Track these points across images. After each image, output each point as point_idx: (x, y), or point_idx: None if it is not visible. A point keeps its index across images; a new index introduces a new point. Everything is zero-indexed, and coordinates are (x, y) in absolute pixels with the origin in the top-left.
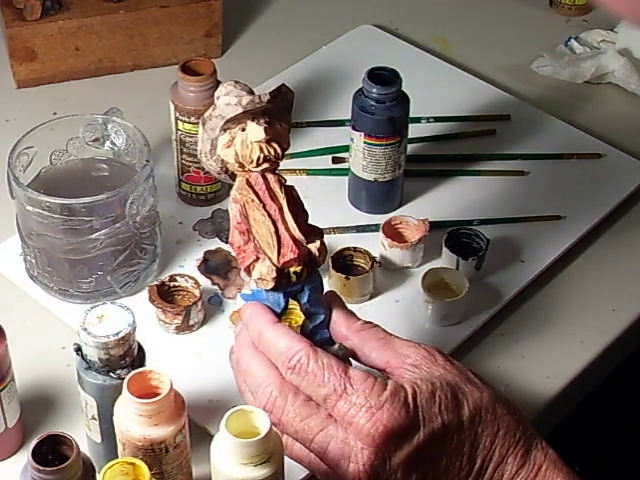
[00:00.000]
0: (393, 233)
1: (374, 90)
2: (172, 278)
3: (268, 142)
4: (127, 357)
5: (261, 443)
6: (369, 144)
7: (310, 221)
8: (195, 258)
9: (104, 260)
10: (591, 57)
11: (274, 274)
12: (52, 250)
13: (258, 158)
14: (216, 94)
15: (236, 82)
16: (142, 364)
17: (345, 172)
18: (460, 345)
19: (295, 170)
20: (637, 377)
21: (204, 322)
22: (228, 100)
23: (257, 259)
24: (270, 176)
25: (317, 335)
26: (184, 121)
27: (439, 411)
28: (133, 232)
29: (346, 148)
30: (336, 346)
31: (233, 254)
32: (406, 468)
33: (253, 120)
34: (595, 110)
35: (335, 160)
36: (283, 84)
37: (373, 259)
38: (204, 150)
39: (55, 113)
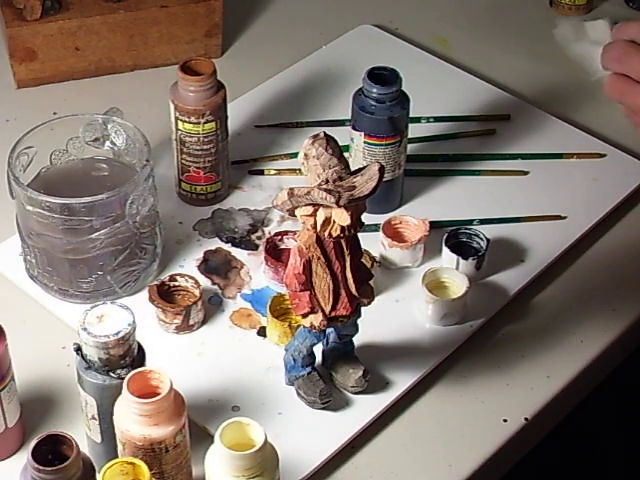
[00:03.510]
0: (393, 233)
1: (374, 90)
2: (172, 278)
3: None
4: (127, 357)
5: (254, 456)
6: (369, 144)
7: None
8: (195, 258)
9: (104, 260)
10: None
11: (324, 325)
12: (52, 250)
13: (338, 235)
14: (305, 150)
15: (327, 139)
16: (142, 364)
17: None
18: (460, 345)
19: (295, 170)
20: (637, 377)
21: (204, 322)
22: (322, 177)
23: (311, 311)
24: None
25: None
26: (184, 121)
27: None
28: (133, 232)
29: (346, 148)
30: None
31: (284, 291)
32: None
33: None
34: (595, 110)
35: None
36: (382, 165)
37: (373, 259)
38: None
39: (55, 113)
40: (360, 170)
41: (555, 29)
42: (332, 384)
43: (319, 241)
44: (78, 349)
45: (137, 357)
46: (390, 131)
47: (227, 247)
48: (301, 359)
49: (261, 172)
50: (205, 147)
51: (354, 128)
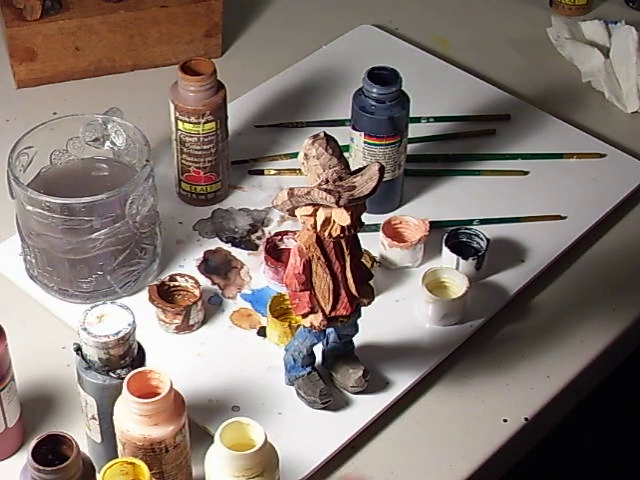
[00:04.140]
0: (393, 233)
1: (374, 90)
2: (172, 278)
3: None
4: (127, 357)
5: (254, 456)
6: (369, 144)
7: None
8: (195, 258)
9: (104, 260)
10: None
11: (324, 325)
12: (52, 250)
13: (338, 235)
14: (305, 150)
15: (327, 139)
16: (142, 364)
17: None
18: (460, 345)
19: (295, 170)
20: (637, 377)
21: (204, 322)
22: (322, 177)
23: (311, 311)
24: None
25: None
26: (184, 121)
27: None
28: (133, 232)
29: (346, 148)
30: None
31: (284, 291)
32: None
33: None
34: (595, 110)
35: None
36: (382, 165)
37: (373, 259)
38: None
39: (55, 113)
40: (360, 170)
41: (549, 28)
42: (332, 384)
43: (319, 241)
44: (78, 349)
45: (137, 357)
46: (390, 131)
47: (227, 247)
48: (301, 359)
49: (261, 172)
50: (205, 147)
51: (354, 128)
